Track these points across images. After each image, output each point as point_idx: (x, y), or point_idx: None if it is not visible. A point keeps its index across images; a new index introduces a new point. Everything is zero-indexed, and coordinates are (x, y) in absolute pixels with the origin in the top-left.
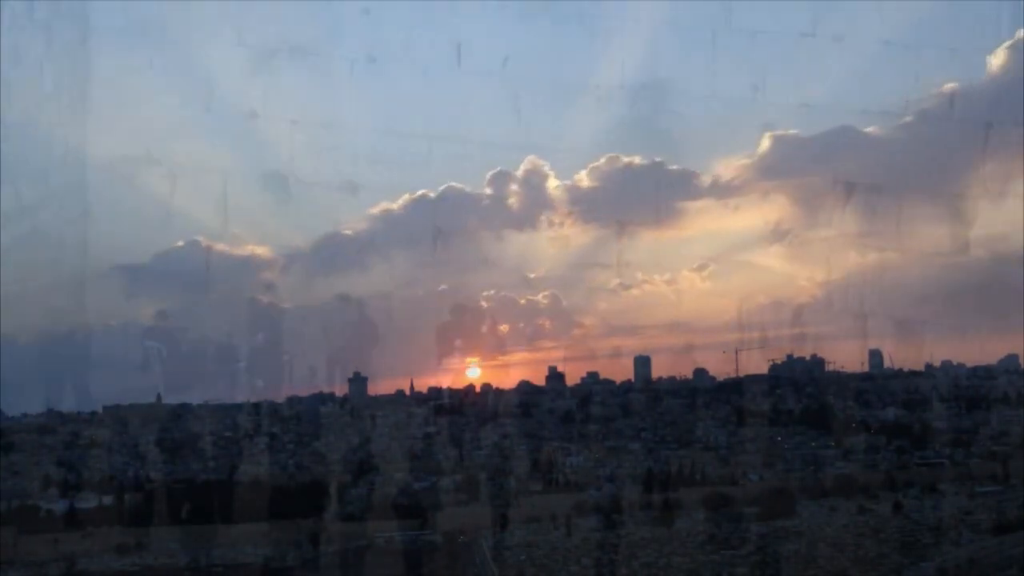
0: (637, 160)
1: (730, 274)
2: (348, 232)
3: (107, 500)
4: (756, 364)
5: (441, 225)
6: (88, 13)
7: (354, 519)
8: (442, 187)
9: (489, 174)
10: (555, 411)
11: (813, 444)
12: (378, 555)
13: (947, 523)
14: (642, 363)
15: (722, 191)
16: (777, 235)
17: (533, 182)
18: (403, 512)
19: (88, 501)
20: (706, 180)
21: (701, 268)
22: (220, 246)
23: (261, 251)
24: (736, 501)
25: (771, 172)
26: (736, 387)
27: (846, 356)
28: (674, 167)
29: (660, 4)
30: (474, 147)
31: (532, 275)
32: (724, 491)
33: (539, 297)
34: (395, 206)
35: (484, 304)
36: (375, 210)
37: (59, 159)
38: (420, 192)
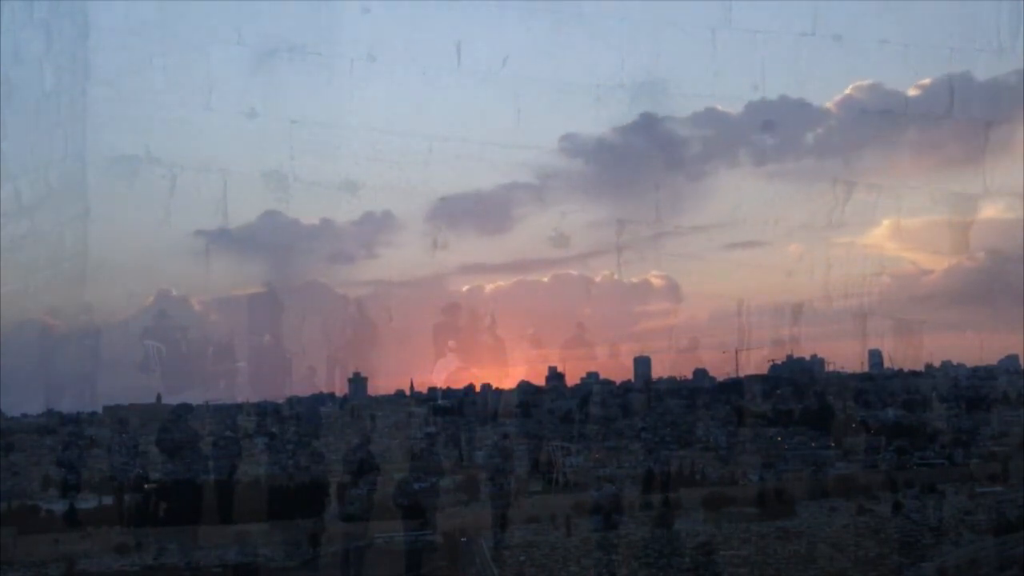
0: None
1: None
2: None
3: (107, 500)
4: (756, 364)
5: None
6: (88, 13)
7: (354, 519)
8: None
9: (689, 111)
10: (555, 411)
11: (813, 444)
12: (378, 555)
13: (947, 523)
14: (642, 363)
15: None
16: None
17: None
18: (403, 512)
19: (88, 501)
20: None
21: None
22: (230, 237)
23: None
24: (736, 501)
25: None
26: (736, 387)
27: (844, 356)
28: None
29: (661, 4)
30: (474, 147)
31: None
32: (724, 491)
33: (650, 277)
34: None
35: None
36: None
37: (59, 159)
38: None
